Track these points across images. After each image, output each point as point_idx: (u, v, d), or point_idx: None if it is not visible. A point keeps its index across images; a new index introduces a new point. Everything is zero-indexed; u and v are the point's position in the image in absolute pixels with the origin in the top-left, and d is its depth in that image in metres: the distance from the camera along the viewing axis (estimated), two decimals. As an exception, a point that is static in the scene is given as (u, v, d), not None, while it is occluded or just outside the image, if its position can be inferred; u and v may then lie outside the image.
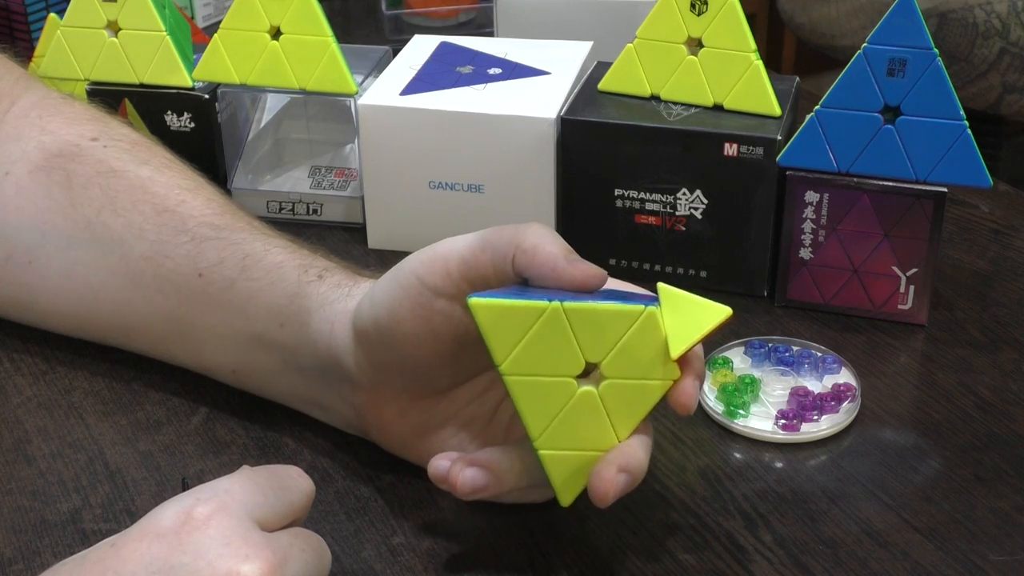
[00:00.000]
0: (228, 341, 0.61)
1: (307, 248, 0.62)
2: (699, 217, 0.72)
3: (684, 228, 0.72)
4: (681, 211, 0.72)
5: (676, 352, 0.48)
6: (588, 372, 0.50)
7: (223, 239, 0.61)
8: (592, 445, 0.50)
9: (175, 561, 0.42)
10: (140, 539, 0.43)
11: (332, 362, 0.57)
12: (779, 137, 0.69)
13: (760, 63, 0.71)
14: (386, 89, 0.76)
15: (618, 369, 0.49)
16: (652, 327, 0.49)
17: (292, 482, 0.49)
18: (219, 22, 0.77)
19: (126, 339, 0.65)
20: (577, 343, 0.49)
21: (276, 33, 0.77)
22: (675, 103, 0.73)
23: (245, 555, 0.43)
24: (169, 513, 0.44)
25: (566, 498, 0.51)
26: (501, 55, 0.81)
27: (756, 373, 0.65)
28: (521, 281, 0.51)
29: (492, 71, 0.78)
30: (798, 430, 0.61)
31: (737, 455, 0.60)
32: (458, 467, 0.52)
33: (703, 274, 0.73)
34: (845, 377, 0.65)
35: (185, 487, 0.48)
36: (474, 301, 0.49)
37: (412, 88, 0.76)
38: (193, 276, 0.61)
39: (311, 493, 0.49)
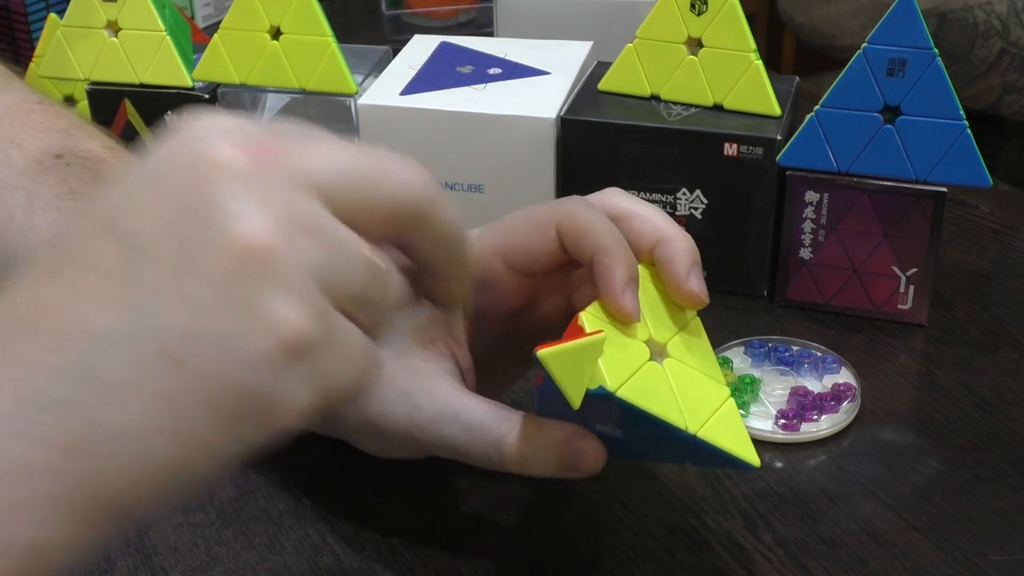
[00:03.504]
0: None
1: None
2: (699, 217, 0.72)
3: (684, 228, 0.72)
4: (681, 211, 0.72)
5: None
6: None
7: None
8: (715, 401, 0.49)
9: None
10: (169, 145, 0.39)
11: None
12: (779, 137, 0.69)
13: (760, 63, 0.71)
14: (386, 89, 0.76)
15: (666, 327, 0.49)
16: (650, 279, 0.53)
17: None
18: (219, 22, 0.77)
19: None
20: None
21: (276, 33, 0.77)
22: (675, 103, 0.73)
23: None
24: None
25: (754, 458, 0.48)
26: (501, 55, 0.81)
27: (756, 373, 0.65)
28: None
29: (492, 71, 0.78)
30: (798, 430, 0.61)
31: (737, 455, 0.60)
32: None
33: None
34: (845, 377, 0.65)
35: None
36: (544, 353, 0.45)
37: (412, 88, 0.76)
38: None
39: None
